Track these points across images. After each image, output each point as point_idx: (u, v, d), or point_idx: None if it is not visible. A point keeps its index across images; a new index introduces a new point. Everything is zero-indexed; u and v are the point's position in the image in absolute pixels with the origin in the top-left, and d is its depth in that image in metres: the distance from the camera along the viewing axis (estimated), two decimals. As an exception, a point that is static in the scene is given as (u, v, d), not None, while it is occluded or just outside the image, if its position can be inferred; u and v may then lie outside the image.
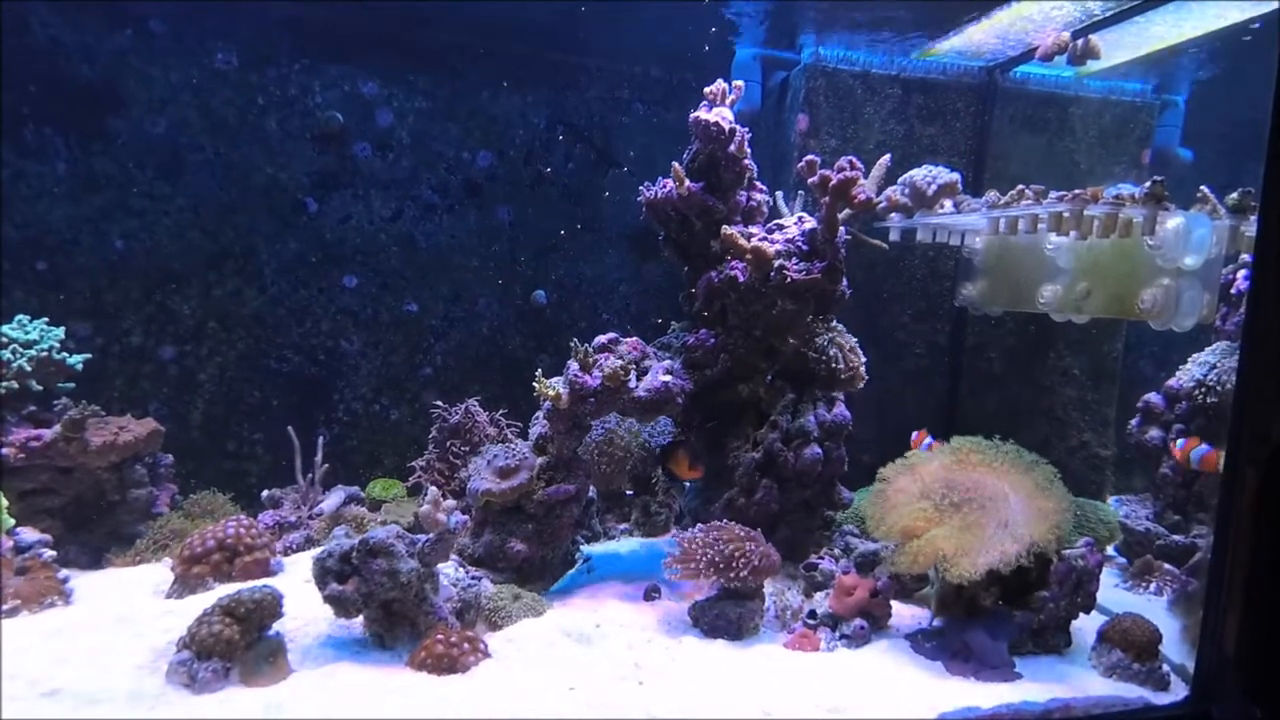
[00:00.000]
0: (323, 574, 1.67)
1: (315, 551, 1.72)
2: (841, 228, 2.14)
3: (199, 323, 2.96)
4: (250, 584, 1.74)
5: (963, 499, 1.96)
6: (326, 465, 2.62)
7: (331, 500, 2.43)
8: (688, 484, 2.64)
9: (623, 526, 2.85)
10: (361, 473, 3.18)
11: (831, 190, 1.97)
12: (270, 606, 1.60)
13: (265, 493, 2.54)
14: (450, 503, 1.74)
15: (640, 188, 2.36)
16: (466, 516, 1.82)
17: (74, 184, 2.80)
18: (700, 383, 2.36)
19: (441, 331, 3.35)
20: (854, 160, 1.93)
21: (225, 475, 2.97)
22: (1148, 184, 1.79)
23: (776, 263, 2.13)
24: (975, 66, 2.89)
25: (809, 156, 2.04)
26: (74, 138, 2.79)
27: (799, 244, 2.19)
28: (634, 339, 2.38)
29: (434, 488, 1.84)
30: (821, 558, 2.21)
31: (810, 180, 2.02)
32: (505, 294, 3.42)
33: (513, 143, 3.37)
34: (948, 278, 3.02)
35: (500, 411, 2.73)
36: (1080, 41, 2.30)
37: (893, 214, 2.69)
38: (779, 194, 2.54)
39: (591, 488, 2.76)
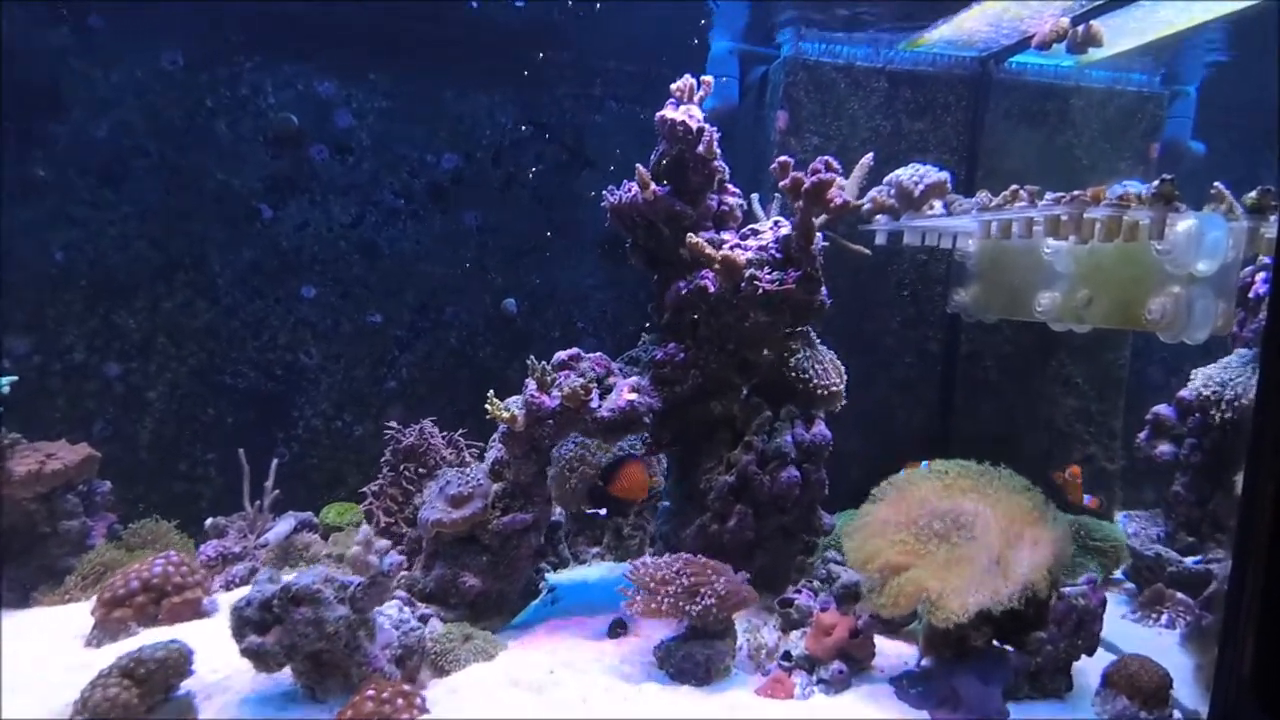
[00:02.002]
0: (240, 625, 1.52)
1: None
2: (819, 233, 1.98)
3: (147, 337, 2.81)
4: (164, 636, 1.59)
5: (950, 529, 1.80)
6: (277, 491, 2.47)
7: (279, 528, 2.29)
8: (660, 506, 2.48)
9: (594, 550, 2.70)
10: (323, 493, 3.03)
11: (805, 195, 1.80)
12: (176, 665, 1.45)
13: (209, 521, 2.40)
14: (383, 543, 1.58)
15: (604, 192, 2.20)
16: (403, 557, 1.68)
17: (10, 191, 2.66)
18: (670, 400, 2.20)
19: (407, 343, 3.20)
20: (830, 161, 1.77)
21: (176, 498, 2.82)
22: (1156, 182, 1.62)
23: (747, 272, 1.97)
24: (967, 57, 2.72)
25: (781, 157, 1.87)
26: (9, 142, 2.64)
27: (772, 252, 2.03)
28: (598, 355, 2.22)
29: (366, 526, 1.69)
30: (799, 590, 2.05)
31: (782, 183, 1.85)
32: (474, 302, 3.27)
33: (480, 143, 3.21)
34: (939, 282, 2.85)
35: (460, 431, 2.57)
36: (1081, 28, 2.13)
37: (878, 216, 2.53)
38: (754, 197, 2.38)
39: (559, 511, 2.61)
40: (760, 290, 1.94)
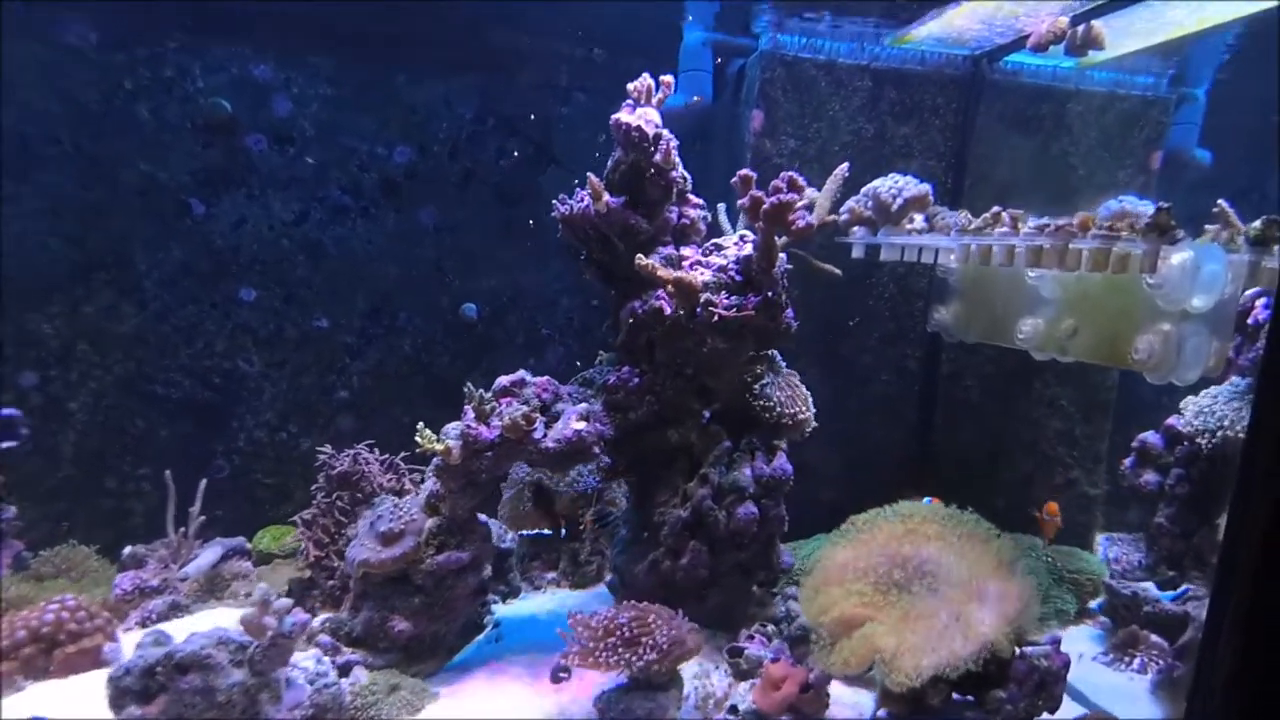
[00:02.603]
0: (119, 695, 1.38)
1: (182, 623, 1.44)
2: (784, 253, 1.83)
3: (66, 344, 2.63)
4: (54, 692, 1.44)
5: (911, 578, 1.68)
6: (204, 516, 2.32)
7: (205, 557, 2.14)
8: (617, 532, 2.36)
9: (550, 575, 2.58)
10: (268, 509, 2.88)
11: (764, 216, 1.65)
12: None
13: (127, 550, 2.25)
14: (284, 602, 1.44)
15: (555, 201, 2.04)
16: (308, 617, 1.54)
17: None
18: (623, 427, 2.07)
19: (358, 350, 3.03)
20: (794, 178, 1.62)
21: (106, 516, 2.67)
22: (1151, 210, 1.48)
23: (703, 297, 1.82)
24: (959, 55, 2.56)
25: (742, 171, 1.72)
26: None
27: (732, 273, 1.88)
28: (545, 379, 2.08)
29: (263, 584, 1.55)
30: (752, 636, 1.94)
31: (740, 202, 1.70)
32: (430, 307, 3.10)
33: (436, 136, 3.02)
34: (920, 297, 2.71)
35: (401, 455, 2.43)
36: (1081, 29, 1.96)
37: (855, 228, 2.38)
38: (720, 207, 2.22)
39: (511, 537, 2.48)
40: (716, 317, 1.80)
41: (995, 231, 1.68)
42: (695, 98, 2.61)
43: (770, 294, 1.81)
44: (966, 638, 1.54)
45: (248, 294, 2.84)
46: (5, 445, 0.72)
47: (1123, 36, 2.05)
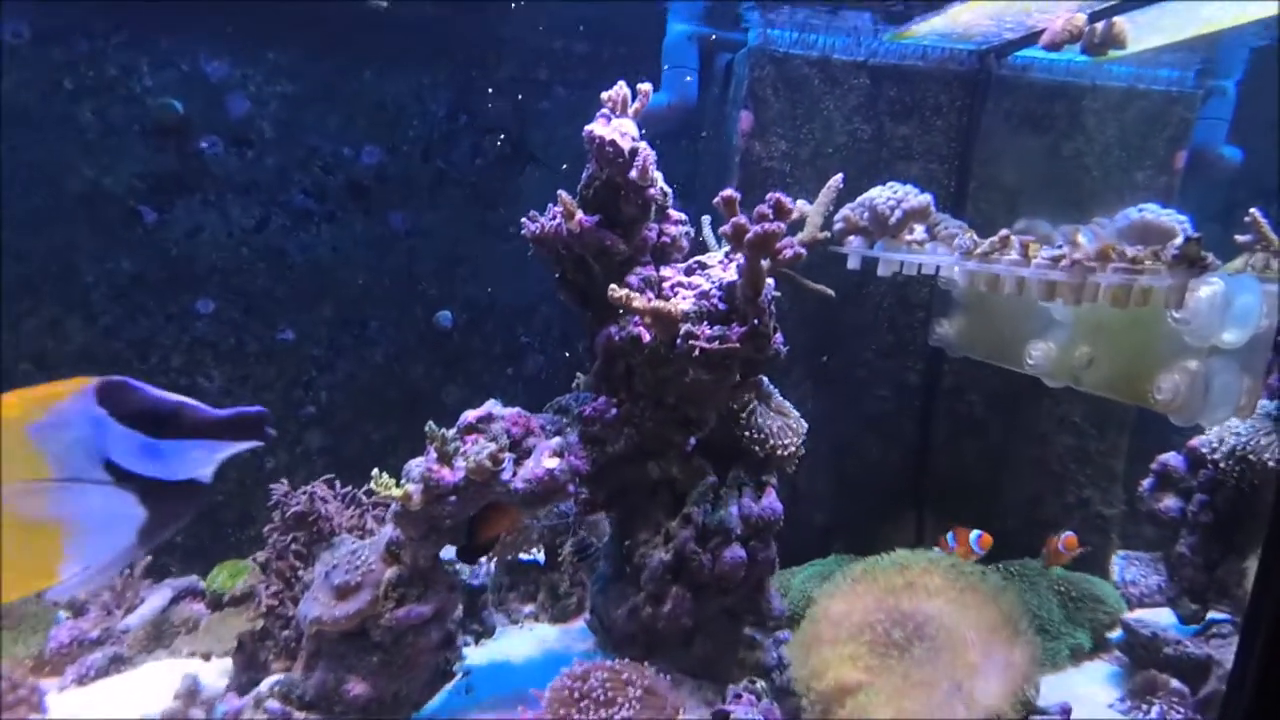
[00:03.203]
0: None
1: (124, 678, 1.30)
2: (771, 279, 1.67)
3: (6, 365, 2.47)
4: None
5: (911, 638, 1.55)
6: (149, 559, 2.18)
7: (151, 602, 2.01)
8: (599, 565, 2.23)
9: (528, 609, 2.45)
10: (232, 533, 2.75)
11: (747, 246, 1.49)
12: None
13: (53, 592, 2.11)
14: (210, 692, 1.31)
15: (524, 219, 1.88)
16: (242, 703, 1.42)
17: None
18: (601, 460, 1.92)
19: (326, 362, 2.88)
20: (781, 200, 1.46)
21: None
22: (1179, 241, 1.33)
23: (683, 328, 1.67)
24: (964, 51, 2.37)
25: (726, 192, 1.55)
26: None
27: (715, 300, 1.72)
28: (515, 411, 1.93)
29: (188, 674, 1.41)
30: (739, 695, 1.81)
31: (722, 230, 1.54)
32: (403, 316, 2.95)
33: (406, 135, 2.85)
34: (921, 309, 2.56)
35: (364, 489, 2.28)
36: (1101, 26, 1.79)
37: (851, 237, 2.22)
38: (705, 220, 2.06)
39: (482, 573, 2.35)
40: (698, 351, 1.65)
41: (1003, 259, 1.52)
42: (678, 99, 2.43)
43: (757, 323, 1.65)
44: (969, 709, 1.41)
45: (205, 306, 2.68)
46: (249, 446, 0.68)
47: (1147, 32, 1.87)
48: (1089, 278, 1.35)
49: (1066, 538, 2.15)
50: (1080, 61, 2.31)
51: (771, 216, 1.45)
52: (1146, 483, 2.25)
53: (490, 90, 2.88)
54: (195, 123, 2.57)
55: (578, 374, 2.27)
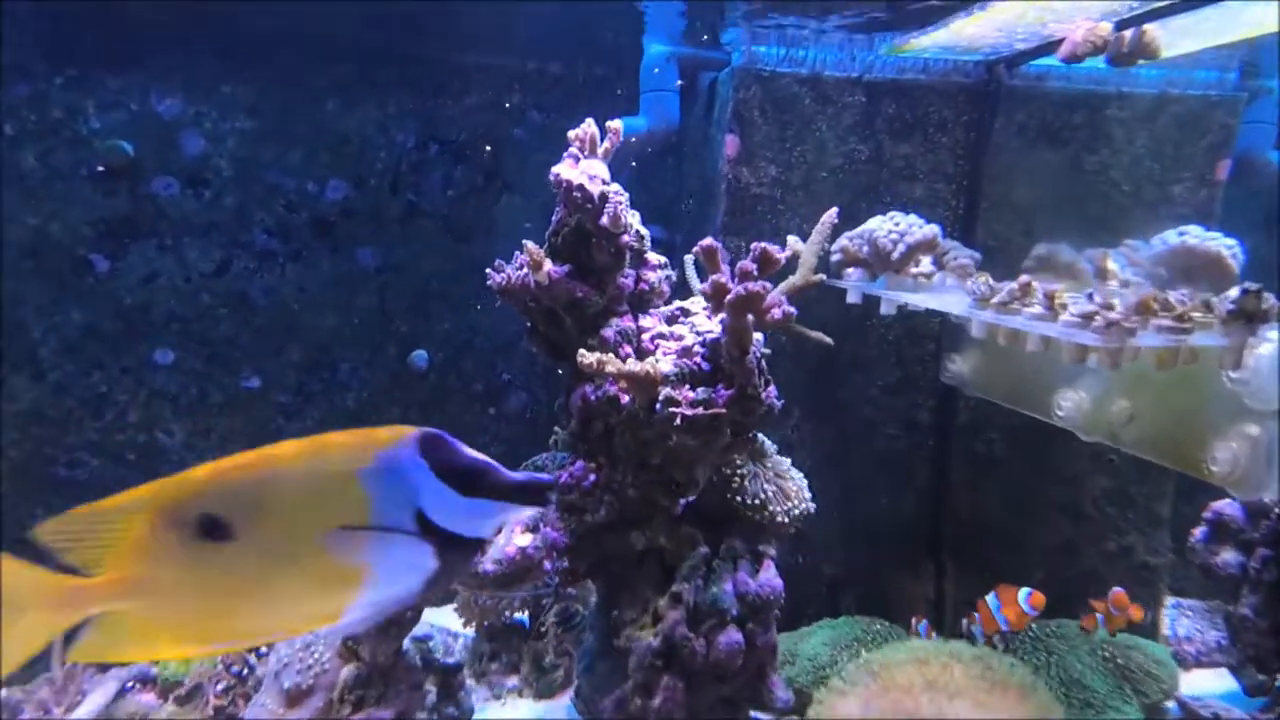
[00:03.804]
0: None
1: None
2: (759, 334, 1.49)
3: (-51, 429, 2.33)
4: None
5: (934, 744, 1.36)
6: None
7: (95, 698, 1.84)
8: (584, 638, 2.05)
9: (511, 683, 2.27)
10: (196, 596, 2.60)
11: (729, 308, 1.31)
12: None
13: (2, 692, 1.95)
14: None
15: (489, 270, 1.71)
16: None
17: None
18: (580, 530, 1.74)
19: (294, 410, 2.72)
20: (768, 250, 1.28)
21: (3, 621, 2.37)
22: (1236, 294, 1.14)
23: (663, 392, 1.49)
24: (970, 62, 2.19)
25: (706, 241, 1.38)
26: None
27: (698, 359, 1.54)
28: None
29: None
30: (740, 800, 1.63)
31: (701, 288, 1.37)
32: (375, 357, 2.79)
33: (373, 167, 2.69)
34: (931, 339, 2.37)
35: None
36: (1129, 34, 1.59)
37: (850, 269, 2.04)
38: (688, 260, 1.88)
39: (461, 644, 2.17)
40: (680, 419, 1.47)
41: (1024, 310, 1.33)
42: (658, 124, 2.26)
43: (745, 385, 1.47)
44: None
45: (164, 356, 2.53)
46: (533, 512, 0.72)
47: (1181, 37, 1.67)
48: (1128, 341, 1.16)
49: (1114, 595, 1.92)
50: (1102, 68, 2.11)
51: (756, 272, 1.27)
52: (1199, 532, 2.03)
53: (460, 118, 2.72)
54: (148, 164, 2.42)
55: (555, 428, 2.09)
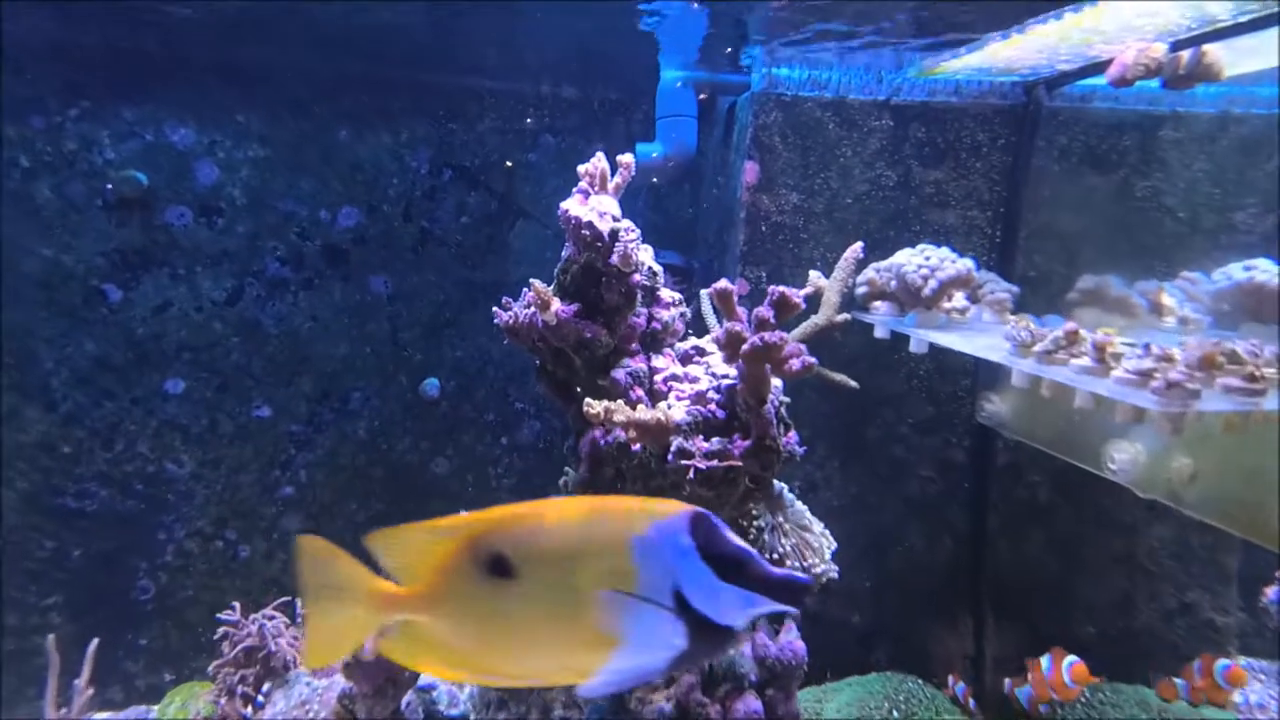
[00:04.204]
0: None
1: None
2: (779, 381, 1.40)
3: (-40, 460, 2.33)
4: None
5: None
6: (91, 690, 1.98)
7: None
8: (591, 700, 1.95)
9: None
10: (202, 631, 2.56)
11: (744, 358, 1.22)
12: None
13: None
14: None
15: (495, 309, 1.65)
16: None
17: None
18: (589, 584, 1.65)
19: (305, 439, 2.68)
20: (787, 295, 1.19)
21: (6, 660, 2.36)
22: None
23: (675, 442, 1.40)
24: (1006, 83, 2.08)
25: (720, 284, 1.29)
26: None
27: (713, 406, 1.45)
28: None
29: None
30: None
31: (714, 336, 1.28)
32: (387, 385, 2.74)
33: (386, 194, 2.66)
34: (965, 374, 2.24)
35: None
36: (1188, 55, 1.47)
37: (877, 303, 1.93)
38: (704, 295, 1.80)
39: (466, 696, 2.09)
40: (693, 472, 1.38)
41: (1073, 363, 1.22)
42: (675, 151, 2.19)
43: (763, 435, 1.38)
44: None
45: (174, 385, 2.51)
46: (786, 610, 0.68)
47: (1247, 57, 1.54)
48: (1191, 404, 1.04)
49: (1229, 670, 1.71)
50: (1153, 87, 1.98)
51: (774, 319, 1.18)
52: (1272, 593, 1.86)
53: (473, 143, 2.68)
54: (162, 193, 2.42)
55: (566, 468, 2.01)
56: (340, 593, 0.76)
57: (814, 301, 1.72)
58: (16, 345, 2.33)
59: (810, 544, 1.67)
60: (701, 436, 1.42)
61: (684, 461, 1.38)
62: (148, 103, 2.34)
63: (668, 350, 1.69)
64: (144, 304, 2.45)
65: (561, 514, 0.77)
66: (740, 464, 1.39)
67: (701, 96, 2.44)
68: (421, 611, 0.76)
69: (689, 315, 1.73)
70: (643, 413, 1.40)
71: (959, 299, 1.81)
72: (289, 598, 2.04)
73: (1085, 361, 1.19)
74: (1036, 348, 1.28)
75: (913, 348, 1.79)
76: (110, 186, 2.34)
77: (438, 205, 2.70)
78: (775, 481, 1.73)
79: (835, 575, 1.63)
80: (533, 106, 2.66)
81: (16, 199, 2.27)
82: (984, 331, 1.77)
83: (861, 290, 1.96)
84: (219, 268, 2.53)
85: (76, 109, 2.29)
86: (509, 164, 2.69)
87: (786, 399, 1.45)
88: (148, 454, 2.51)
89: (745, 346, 1.18)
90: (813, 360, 1.17)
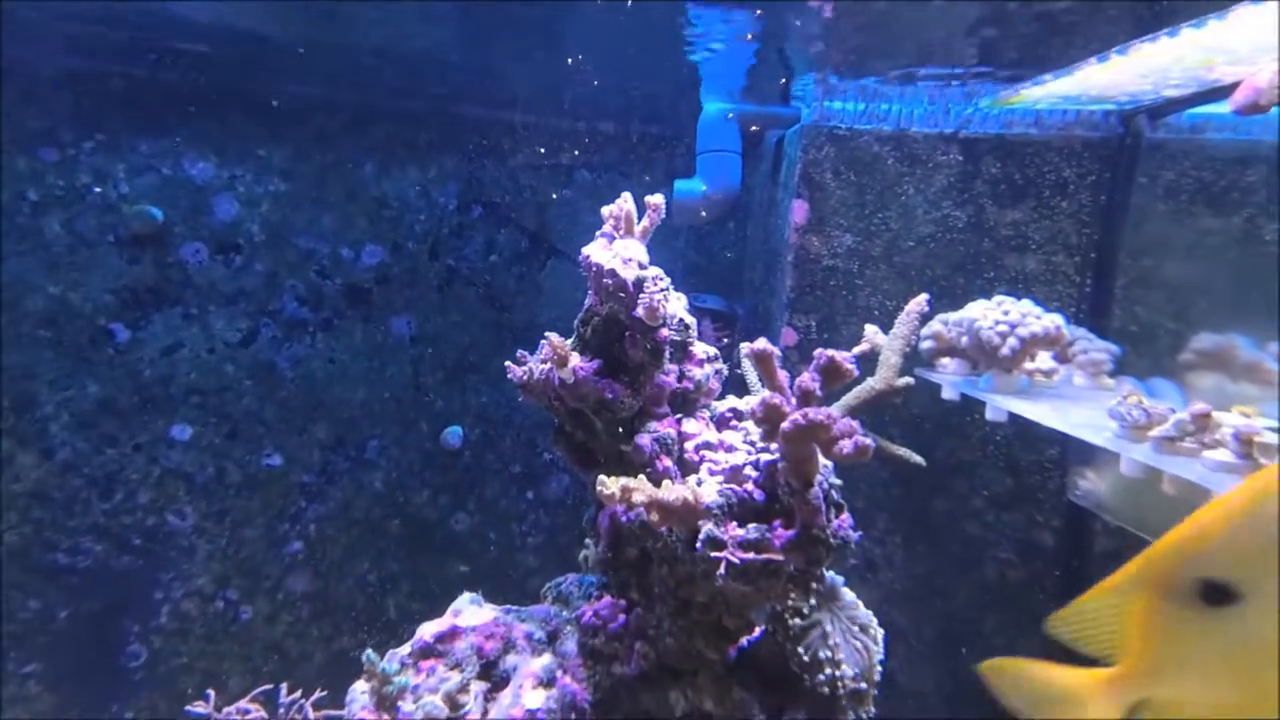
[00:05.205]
0: None
1: None
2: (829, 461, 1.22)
3: (-45, 507, 2.31)
4: None
5: None
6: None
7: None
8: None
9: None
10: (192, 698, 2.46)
11: (784, 438, 1.06)
12: None
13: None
14: None
15: (508, 364, 1.52)
16: None
17: None
18: (607, 684, 1.48)
19: (317, 490, 2.60)
20: (836, 360, 1.02)
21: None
22: None
23: (705, 527, 1.23)
24: (1099, 113, 1.90)
25: (756, 344, 1.13)
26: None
27: (750, 485, 1.28)
28: (492, 619, 1.52)
29: None
30: None
31: (751, 410, 1.12)
32: (407, 434, 2.65)
33: (412, 231, 2.61)
34: (1052, 443, 2.01)
35: (313, 698, 1.91)
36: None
37: (944, 360, 1.74)
38: (744, 351, 1.63)
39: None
40: (725, 565, 1.20)
41: (1205, 455, 1.01)
42: (717, 189, 2.06)
43: (809, 525, 1.19)
44: None
45: (181, 432, 2.47)
46: None
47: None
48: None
49: None
50: None
51: (820, 390, 1.02)
52: None
53: (505, 179, 2.62)
54: (178, 229, 2.40)
55: (586, 541, 1.85)
56: (1065, 704, 0.71)
57: (870, 360, 1.55)
58: (16, 387, 2.32)
59: (859, 646, 1.46)
60: (736, 522, 1.25)
61: (714, 554, 1.21)
62: (166, 136, 2.35)
63: (701, 413, 1.52)
64: (153, 344, 2.43)
65: (1251, 501, 0.63)
66: (781, 558, 1.21)
67: (753, 129, 2.32)
68: (1148, 686, 0.69)
69: (725, 373, 1.57)
70: (667, 491, 1.23)
71: (1045, 359, 1.60)
72: (276, 685, 1.91)
73: (1225, 456, 0.98)
74: (1154, 432, 1.08)
75: (989, 415, 1.58)
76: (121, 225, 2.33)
77: (466, 243, 2.63)
78: (828, 573, 1.53)
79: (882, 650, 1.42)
80: (568, 141, 2.59)
81: (24, 234, 2.28)
82: (1077, 399, 1.55)
83: (927, 345, 1.77)
84: (234, 307, 2.50)
85: (91, 141, 2.30)
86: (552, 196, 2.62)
87: (838, 481, 1.26)
88: (148, 505, 2.45)
89: (786, 425, 1.02)
90: (869, 443, 0.99)
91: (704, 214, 2.17)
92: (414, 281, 2.63)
